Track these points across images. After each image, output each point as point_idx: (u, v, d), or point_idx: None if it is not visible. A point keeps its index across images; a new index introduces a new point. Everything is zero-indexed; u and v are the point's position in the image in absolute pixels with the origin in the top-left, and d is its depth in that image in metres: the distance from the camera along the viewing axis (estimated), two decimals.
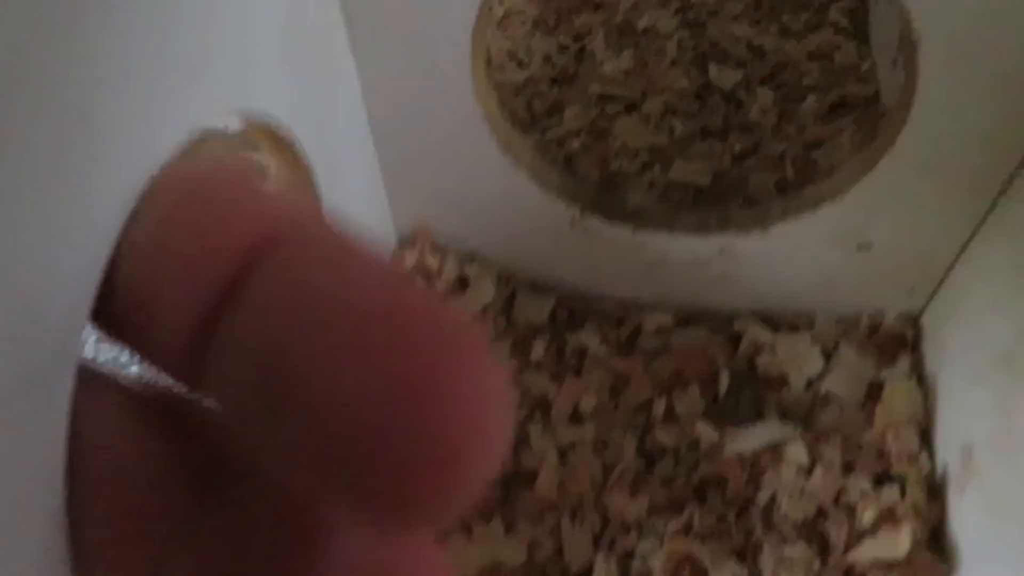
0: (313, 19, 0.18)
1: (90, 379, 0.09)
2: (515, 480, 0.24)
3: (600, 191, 0.25)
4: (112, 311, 0.09)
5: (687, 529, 0.22)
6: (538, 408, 0.24)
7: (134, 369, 0.09)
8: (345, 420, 0.07)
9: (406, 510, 0.07)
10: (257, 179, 0.15)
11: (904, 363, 0.23)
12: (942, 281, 0.22)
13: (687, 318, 0.25)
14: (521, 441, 0.24)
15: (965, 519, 0.20)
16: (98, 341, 0.09)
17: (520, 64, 0.30)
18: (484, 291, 0.26)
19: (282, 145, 0.17)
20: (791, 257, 0.23)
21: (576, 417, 0.24)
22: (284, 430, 0.08)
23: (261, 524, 0.09)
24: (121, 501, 0.09)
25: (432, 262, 0.26)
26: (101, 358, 0.08)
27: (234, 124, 0.16)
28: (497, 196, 0.24)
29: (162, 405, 0.09)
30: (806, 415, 0.23)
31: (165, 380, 0.09)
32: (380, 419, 0.07)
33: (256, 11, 0.14)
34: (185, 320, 0.08)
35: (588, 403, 0.24)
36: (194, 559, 0.09)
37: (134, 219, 0.09)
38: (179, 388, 0.09)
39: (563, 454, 0.24)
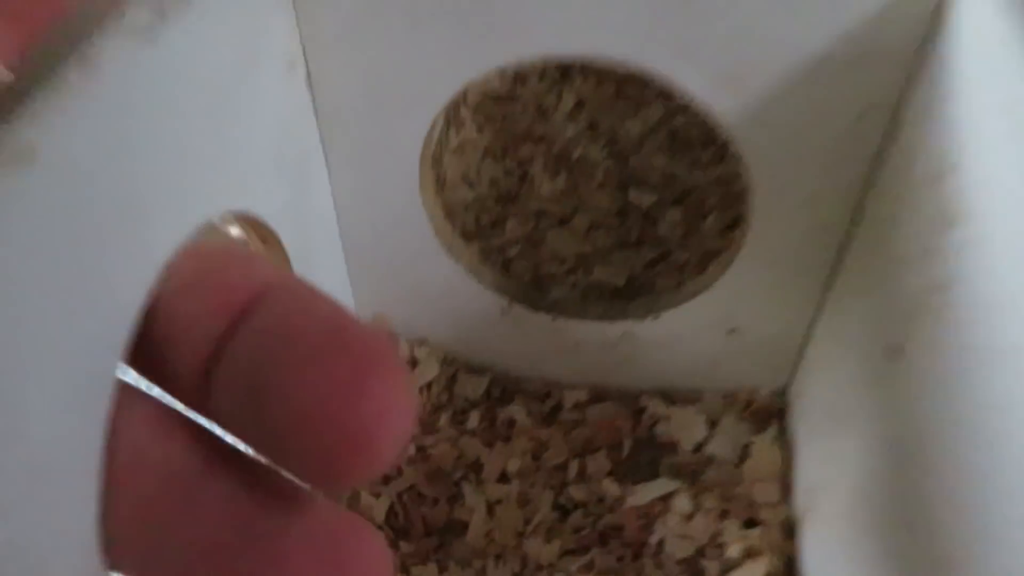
0: (298, 142, 0.23)
1: (124, 392, 0.11)
2: (449, 530, 0.27)
3: (528, 287, 0.30)
4: (141, 350, 0.12)
5: (590, 568, 0.26)
6: (472, 469, 0.29)
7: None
8: (300, 415, 0.10)
9: (339, 476, 0.11)
10: (249, 252, 0.20)
11: (772, 429, 0.27)
12: (800, 359, 0.27)
13: (600, 394, 0.30)
14: (456, 497, 0.28)
15: (811, 552, 0.24)
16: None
17: (471, 185, 0.36)
18: (430, 370, 0.30)
19: (269, 239, 0.22)
20: (680, 341, 0.28)
21: (503, 477, 0.28)
22: (265, 425, 0.11)
23: (256, 490, 0.12)
24: (145, 487, 0.11)
25: None
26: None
27: (233, 220, 0.22)
28: (443, 291, 0.29)
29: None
30: (693, 473, 0.27)
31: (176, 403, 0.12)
32: (322, 414, 0.10)
33: (256, 137, 0.19)
34: (197, 357, 0.11)
35: (514, 465, 0.28)
36: (199, 523, 0.11)
37: (163, 281, 0.12)
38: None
39: (491, 508, 0.28)
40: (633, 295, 0.32)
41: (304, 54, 0.22)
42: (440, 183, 0.34)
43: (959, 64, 0.17)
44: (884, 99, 0.20)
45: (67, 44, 0.10)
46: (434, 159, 0.27)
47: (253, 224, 0.21)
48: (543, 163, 0.37)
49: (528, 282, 0.32)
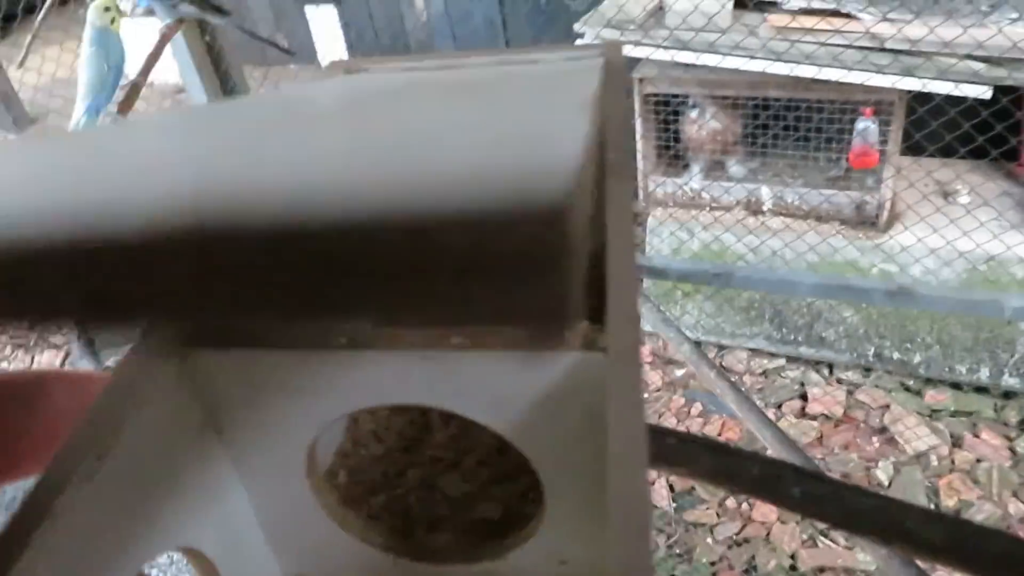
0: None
1: None
2: None
3: (409, 538, 0.37)
4: None
5: None
6: None
7: None
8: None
9: None
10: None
11: None
12: None
13: None
14: None
15: None
16: None
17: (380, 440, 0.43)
18: None
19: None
20: (524, 573, 0.34)
21: None
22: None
23: None
24: None
25: None
26: None
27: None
28: (344, 561, 0.36)
29: None
30: None
31: None
32: None
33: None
34: None
35: None
36: None
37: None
38: None
39: None
40: (509, 529, 0.38)
41: None
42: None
43: None
44: None
45: None
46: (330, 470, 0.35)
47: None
48: (438, 412, 0.44)
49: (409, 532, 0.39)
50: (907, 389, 2.75)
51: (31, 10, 2.54)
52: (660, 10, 2.72)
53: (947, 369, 2.68)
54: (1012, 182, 2.78)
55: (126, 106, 1.71)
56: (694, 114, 2.82)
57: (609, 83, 0.33)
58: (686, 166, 3.03)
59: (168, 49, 1.88)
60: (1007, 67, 2.25)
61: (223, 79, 2.07)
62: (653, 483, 2.53)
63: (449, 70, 0.39)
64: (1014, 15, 2.37)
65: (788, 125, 2.75)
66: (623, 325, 0.22)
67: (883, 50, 2.35)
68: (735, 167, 2.98)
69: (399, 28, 6.06)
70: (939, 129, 2.42)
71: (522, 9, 3.56)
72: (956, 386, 2.70)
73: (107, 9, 1.67)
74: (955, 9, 2.35)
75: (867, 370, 2.81)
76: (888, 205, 2.72)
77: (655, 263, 2.31)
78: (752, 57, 2.46)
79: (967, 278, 2.58)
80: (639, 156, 2.97)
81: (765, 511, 2.45)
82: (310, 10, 4.59)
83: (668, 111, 2.89)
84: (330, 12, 5.17)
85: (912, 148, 2.68)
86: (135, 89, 1.76)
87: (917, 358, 2.70)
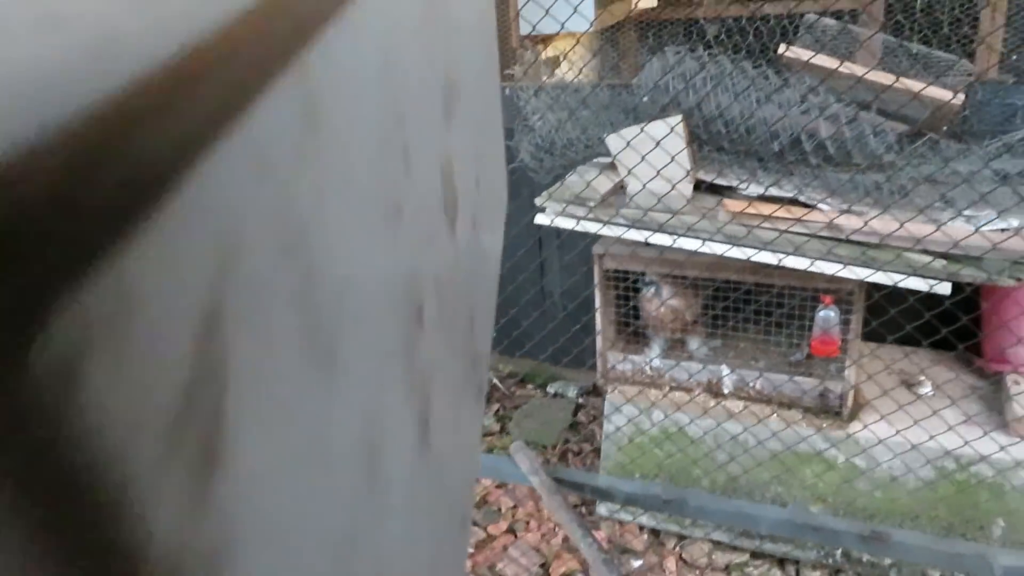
0: None
1: None
2: None
3: None
4: None
5: None
6: None
7: None
8: None
9: None
10: None
11: None
12: None
13: None
14: None
15: None
16: None
17: None
18: None
19: None
20: None
21: None
22: None
23: None
24: None
25: None
26: None
27: None
28: None
29: None
30: None
31: None
32: None
33: None
34: None
35: None
36: None
37: None
38: None
39: None
40: None
41: None
42: None
43: None
44: None
45: None
46: None
47: None
48: None
49: None
50: None
51: None
52: (621, 188, 2.73)
53: (920, 574, 2.50)
54: (976, 376, 2.72)
55: None
56: (650, 292, 2.76)
57: None
58: (646, 341, 2.95)
59: None
60: (965, 264, 2.23)
61: None
62: None
63: None
64: (969, 212, 2.38)
65: (748, 307, 2.70)
66: None
67: (843, 240, 2.33)
68: (696, 346, 2.90)
69: None
70: (899, 318, 2.37)
71: None
72: None
73: None
74: (910, 203, 2.36)
75: (836, 572, 2.62)
76: (851, 394, 2.64)
77: (600, 484, 2.16)
78: (709, 240, 2.43)
79: (934, 478, 2.46)
80: (597, 331, 2.89)
81: None
82: None
83: (628, 286, 2.84)
84: None
85: (873, 334, 2.62)
86: None
87: (888, 561, 2.52)
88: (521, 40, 3.55)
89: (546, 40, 3.57)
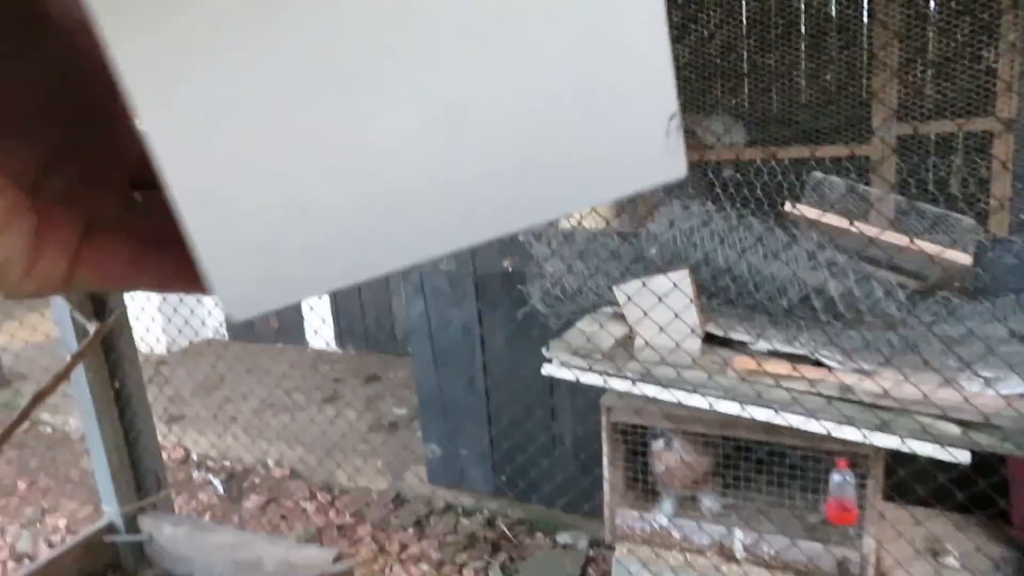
0: None
1: None
2: None
3: None
4: None
5: None
6: None
7: None
8: None
9: None
10: None
11: None
12: None
13: None
14: None
15: None
16: None
17: None
18: None
19: None
20: None
21: None
22: None
23: None
24: None
25: None
26: None
27: None
28: None
29: None
30: None
31: None
32: None
33: None
34: None
35: None
36: None
37: None
38: None
39: None
40: None
41: None
42: None
43: None
44: None
45: None
46: None
47: None
48: None
49: None
50: None
51: None
52: (629, 340, 2.70)
53: None
54: (1005, 545, 2.57)
55: None
56: (660, 446, 2.69)
57: None
58: (656, 497, 2.85)
59: None
60: (985, 431, 2.15)
61: None
62: None
63: None
64: (987, 374, 2.32)
65: (762, 466, 2.60)
66: None
67: (858, 403, 2.27)
68: (708, 502, 2.79)
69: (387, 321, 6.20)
70: (918, 485, 2.27)
71: (499, 320, 3.59)
72: None
73: None
74: (927, 365, 2.30)
75: None
76: (873, 561, 2.49)
77: None
78: (719, 397, 2.38)
79: None
80: (605, 486, 2.79)
81: None
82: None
83: (637, 440, 2.76)
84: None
85: (893, 496, 2.51)
86: None
87: None
88: None
89: None
